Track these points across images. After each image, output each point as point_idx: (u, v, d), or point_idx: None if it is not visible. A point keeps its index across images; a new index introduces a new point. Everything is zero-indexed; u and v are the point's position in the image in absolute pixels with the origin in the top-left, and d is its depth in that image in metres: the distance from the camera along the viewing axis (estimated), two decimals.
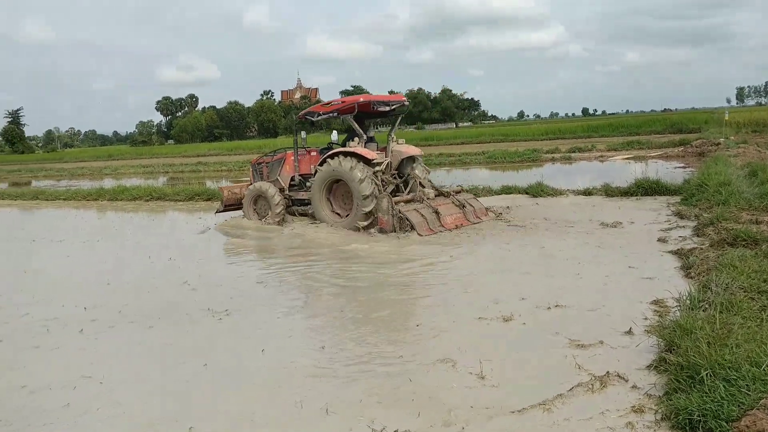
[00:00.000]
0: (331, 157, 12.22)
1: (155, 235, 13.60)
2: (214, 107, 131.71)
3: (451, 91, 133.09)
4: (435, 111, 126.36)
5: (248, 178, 15.51)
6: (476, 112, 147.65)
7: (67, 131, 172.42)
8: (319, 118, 13.31)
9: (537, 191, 14.35)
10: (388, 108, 13.11)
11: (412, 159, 12.96)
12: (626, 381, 4.46)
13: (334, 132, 13.91)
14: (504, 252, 9.28)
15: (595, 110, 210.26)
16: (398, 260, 9.16)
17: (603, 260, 8.32)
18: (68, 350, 6.00)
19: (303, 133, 14.04)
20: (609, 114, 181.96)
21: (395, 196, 12.13)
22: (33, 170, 54.44)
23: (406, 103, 13.69)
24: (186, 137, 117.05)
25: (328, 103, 13.56)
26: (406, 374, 4.92)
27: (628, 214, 11.59)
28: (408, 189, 12.62)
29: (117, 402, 4.69)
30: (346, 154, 12.08)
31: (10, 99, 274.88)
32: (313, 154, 13.67)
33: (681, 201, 12.16)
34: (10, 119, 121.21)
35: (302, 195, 13.33)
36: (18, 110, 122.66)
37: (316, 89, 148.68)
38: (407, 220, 11.19)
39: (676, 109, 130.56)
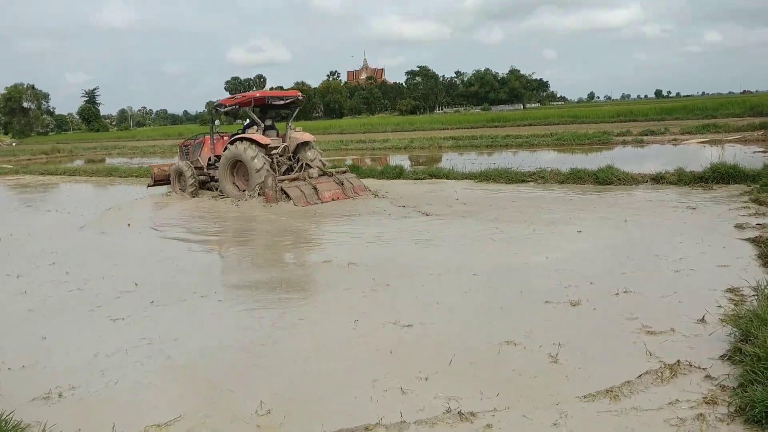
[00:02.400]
0: (232, 142, 15.02)
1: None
2: (281, 88, 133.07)
3: (519, 71, 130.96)
4: (502, 92, 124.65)
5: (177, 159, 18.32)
6: (545, 93, 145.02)
7: (139, 110, 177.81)
8: (226, 109, 16.19)
9: (607, 175, 13.94)
10: (282, 102, 15.88)
11: (306, 144, 15.39)
12: (698, 370, 4.32)
13: (248, 121, 16.06)
14: (577, 235, 9.08)
15: (669, 92, 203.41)
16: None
17: (676, 245, 8.04)
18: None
19: (217, 122, 16.72)
20: (684, 96, 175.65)
21: (288, 174, 14.65)
22: (107, 148, 56.42)
23: (300, 98, 16.16)
24: None
25: (232, 97, 16.16)
26: (471, 353, 4.89)
27: (702, 200, 11.18)
28: (298, 169, 15.04)
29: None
30: (243, 139, 14.83)
31: (88, 79, 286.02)
32: (225, 138, 16.09)
33: (760, 187, 11.61)
34: (86, 98, 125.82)
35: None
36: (94, 90, 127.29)
37: (382, 70, 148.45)
38: (286, 194, 13.77)
39: (756, 91, 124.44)
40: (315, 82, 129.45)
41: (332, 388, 4.45)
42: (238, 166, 15.14)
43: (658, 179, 13.59)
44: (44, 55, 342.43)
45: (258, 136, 14.78)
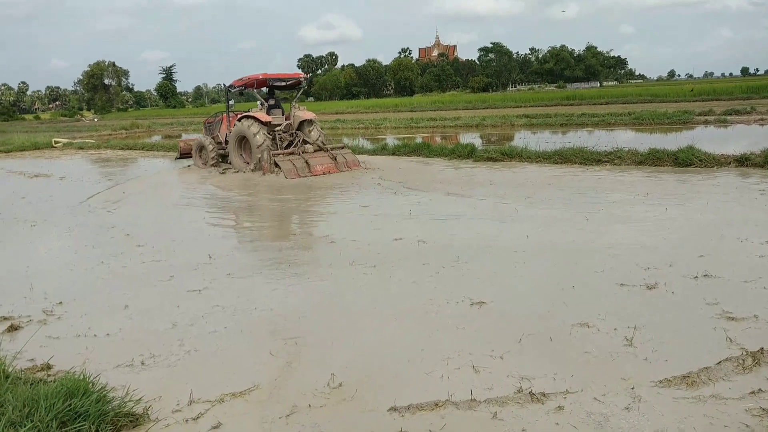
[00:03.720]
0: (240, 120, 16.50)
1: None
2: (353, 65, 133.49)
3: (596, 48, 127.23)
4: (578, 69, 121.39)
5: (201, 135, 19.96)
6: (623, 71, 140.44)
7: (214, 87, 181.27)
8: (235, 90, 17.65)
9: (688, 156, 13.41)
10: (284, 83, 17.45)
11: (309, 122, 17.02)
12: None
13: (261, 100, 17.42)
14: (656, 217, 8.81)
15: (757, 70, 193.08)
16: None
17: (760, 229, 7.70)
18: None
19: (231, 101, 18.11)
20: None
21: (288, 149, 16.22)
22: (183, 124, 57.90)
23: (302, 79, 17.68)
24: (325, 94, 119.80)
25: (240, 80, 17.26)
26: (544, 333, 4.85)
27: None
28: (294, 145, 16.50)
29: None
30: (248, 117, 16.33)
31: (165, 57, 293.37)
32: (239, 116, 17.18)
33: None
34: (164, 75, 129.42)
35: None
36: (171, 67, 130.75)
37: (454, 47, 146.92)
38: (278, 167, 15.19)
39: None
40: (386, 59, 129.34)
41: (403, 363, 4.49)
42: (244, 141, 16.65)
43: (742, 161, 12.97)
44: (124, 33, 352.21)
45: (260, 114, 16.31)
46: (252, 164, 16.19)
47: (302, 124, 16.96)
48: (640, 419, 3.58)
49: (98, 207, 12.19)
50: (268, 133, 16.17)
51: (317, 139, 16.72)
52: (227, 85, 17.90)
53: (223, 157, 18.00)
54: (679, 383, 3.96)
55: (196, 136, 23.02)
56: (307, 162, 15.40)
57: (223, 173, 16.74)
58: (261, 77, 16.78)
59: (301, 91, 18.17)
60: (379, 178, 14.25)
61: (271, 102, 17.40)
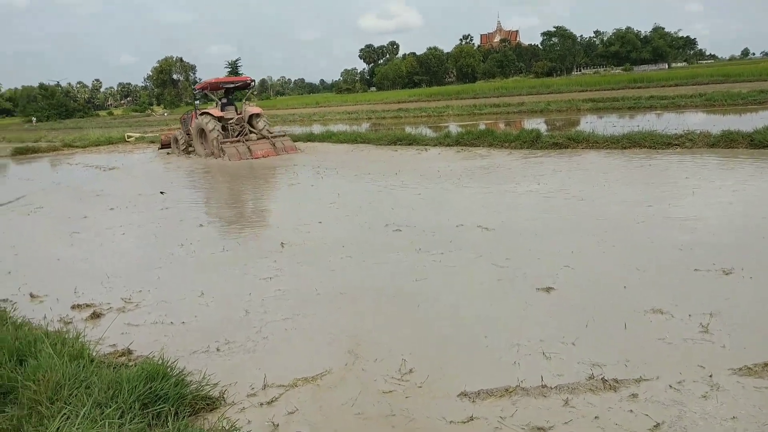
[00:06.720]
0: (200, 116, 20.72)
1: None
2: (414, 54, 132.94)
3: (663, 29, 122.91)
4: (645, 51, 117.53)
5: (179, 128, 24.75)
6: (692, 52, 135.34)
7: (278, 80, 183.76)
8: (197, 92, 23.14)
9: (764, 137, 12.83)
10: (233, 86, 22.07)
11: (257, 115, 21.17)
12: None
13: (217, 100, 21.83)
14: (732, 201, 8.51)
15: None
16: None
17: None
18: None
19: (197, 101, 22.66)
20: None
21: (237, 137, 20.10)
22: None
23: (249, 81, 22.34)
24: (387, 84, 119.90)
25: (201, 84, 22.35)
26: (617, 320, 4.78)
27: None
28: (240, 134, 20.35)
29: None
30: (205, 113, 20.69)
31: (229, 50, 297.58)
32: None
33: None
34: (230, 69, 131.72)
35: None
36: (236, 60, 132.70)
37: (516, 32, 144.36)
38: (224, 151, 19.14)
39: None
40: (448, 46, 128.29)
41: (473, 349, 4.50)
42: (203, 132, 20.79)
43: None
44: (188, 27, 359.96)
45: (214, 111, 20.78)
46: (208, 150, 20.51)
47: (252, 117, 21.06)
48: (718, 408, 3.50)
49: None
50: (222, 126, 20.28)
51: (262, 129, 20.72)
52: (195, 87, 23.40)
53: (192, 146, 22.37)
54: (760, 371, 3.84)
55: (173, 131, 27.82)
56: (249, 148, 19.31)
57: (189, 157, 21.53)
58: (213, 81, 21.51)
59: (251, 90, 23.13)
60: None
61: (224, 101, 21.44)
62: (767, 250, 6.13)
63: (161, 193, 13.32)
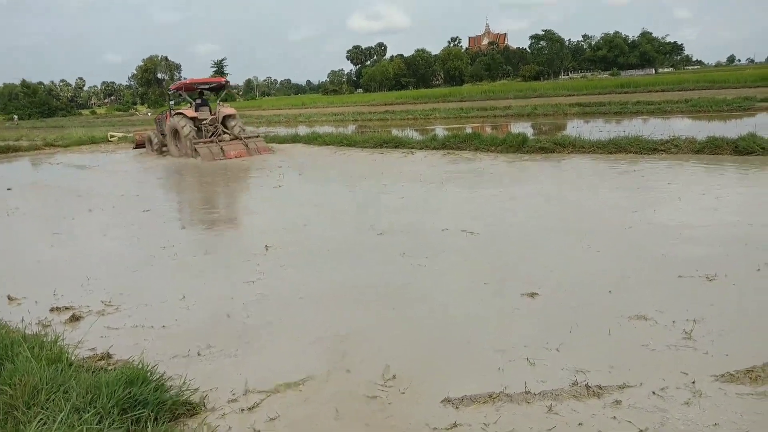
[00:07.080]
0: (173, 116, 20.90)
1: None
2: (401, 55, 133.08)
3: (651, 34, 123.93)
4: (632, 56, 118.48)
5: (154, 128, 24.42)
6: (679, 57, 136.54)
7: (264, 80, 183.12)
8: (172, 93, 23.01)
9: (749, 144, 12.92)
10: (207, 87, 21.96)
11: (231, 116, 21.22)
12: None
13: (191, 101, 21.62)
14: (715, 206, 8.56)
15: None
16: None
17: None
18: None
19: (172, 102, 23.68)
20: None
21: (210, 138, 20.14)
22: None
23: (223, 82, 22.58)
24: (374, 86, 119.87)
25: (175, 84, 22.52)
26: (601, 325, 4.77)
27: None
28: (213, 134, 20.41)
29: None
30: (178, 114, 20.91)
31: (215, 49, 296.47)
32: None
33: None
34: (215, 69, 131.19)
35: None
36: (222, 60, 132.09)
37: (504, 35, 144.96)
38: (197, 152, 19.20)
39: None
40: (435, 48, 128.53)
41: (457, 354, 4.48)
42: (177, 133, 20.85)
43: None
44: (175, 26, 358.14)
45: (188, 111, 20.79)
46: (182, 151, 20.56)
47: (225, 118, 21.17)
48: (701, 415, 3.49)
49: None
50: (195, 126, 20.33)
51: (235, 129, 20.84)
52: (170, 88, 22.96)
53: (165, 146, 22.43)
54: (742, 377, 3.84)
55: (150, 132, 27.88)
56: (222, 148, 19.37)
57: (163, 156, 21.71)
58: (188, 82, 21.86)
59: (225, 91, 23.24)
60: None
61: (199, 101, 21.34)
62: (751, 257, 6.14)
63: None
